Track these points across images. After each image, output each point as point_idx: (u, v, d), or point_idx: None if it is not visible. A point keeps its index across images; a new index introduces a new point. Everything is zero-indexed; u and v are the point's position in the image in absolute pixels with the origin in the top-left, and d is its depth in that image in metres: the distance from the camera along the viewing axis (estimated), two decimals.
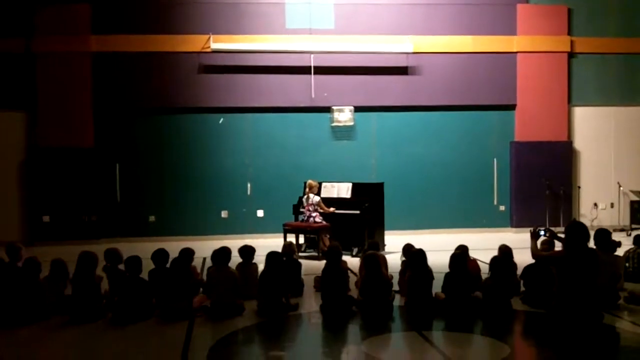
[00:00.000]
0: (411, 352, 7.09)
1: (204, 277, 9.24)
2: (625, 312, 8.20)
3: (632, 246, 10.16)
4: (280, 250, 9.63)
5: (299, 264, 9.66)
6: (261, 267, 8.62)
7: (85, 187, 15.57)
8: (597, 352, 6.73)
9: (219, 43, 15.80)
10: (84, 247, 9.61)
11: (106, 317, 8.01)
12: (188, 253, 8.77)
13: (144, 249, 9.31)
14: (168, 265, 8.55)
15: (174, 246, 9.37)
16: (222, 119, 16.16)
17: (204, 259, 10.58)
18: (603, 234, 8.70)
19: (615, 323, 7.72)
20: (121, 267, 8.56)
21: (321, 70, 16.13)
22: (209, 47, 15.79)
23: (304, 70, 16.10)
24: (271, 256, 8.43)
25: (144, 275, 8.33)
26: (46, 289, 8.19)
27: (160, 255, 8.58)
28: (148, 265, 8.56)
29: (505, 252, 9.08)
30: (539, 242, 8.07)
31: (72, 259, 8.41)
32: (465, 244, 9.28)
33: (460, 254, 8.40)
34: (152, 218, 16.05)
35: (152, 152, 16.06)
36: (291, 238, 12.41)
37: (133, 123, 16.05)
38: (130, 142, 16.03)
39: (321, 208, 12.84)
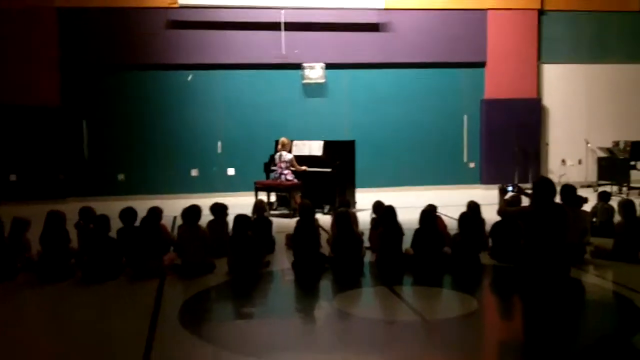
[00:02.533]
0: (382, 306, 7.16)
1: (175, 235, 9.22)
2: (591, 266, 8.33)
3: (599, 201, 10.33)
4: (251, 208, 9.63)
5: (270, 222, 9.67)
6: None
7: (52, 145, 15.39)
8: (564, 304, 6.85)
9: None
10: (51, 206, 9.50)
11: (75, 276, 7.95)
12: (156, 212, 8.72)
13: (113, 207, 9.24)
14: (137, 223, 8.50)
15: (143, 205, 9.31)
16: (190, 76, 16.00)
17: (174, 217, 10.54)
18: (569, 190, 8.78)
19: (582, 276, 7.85)
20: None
21: (292, 27, 15.99)
22: (177, 2, 15.55)
23: (274, 26, 15.94)
24: (239, 219, 8.34)
25: (113, 234, 8.28)
26: (10, 248, 8.08)
27: (128, 214, 8.50)
28: (118, 224, 8.51)
29: (473, 208, 9.16)
30: (507, 198, 8.15)
31: (40, 218, 8.32)
32: (435, 201, 9.36)
33: (430, 211, 8.45)
34: (121, 176, 15.95)
35: (120, 110, 15.89)
36: (262, 196, 12.39)
37: (100, 80, 15.84)
38: (98, 99, 15.83)
39: (293, 166, 12.82)
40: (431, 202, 9.19)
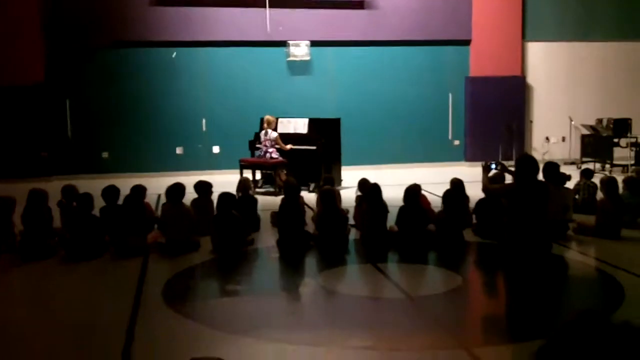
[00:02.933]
0: (366, 283, 7.19)
1: (159, 213, 9.20)
2: (573, 243, 8.39)
3: (582, 179, 10.38)
4: (236, 186, 9.62)
5: (255, 200, 9.67)
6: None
7: (36, 123, 15.25)
8: (546, 280, 6.91)
9: None
10: (35, 184, 9.47)
11: (58, 255, 7.92)
12: (139, 190, 8.71)
13: (97, 186, 9.21)
14: (120, 202, 8.47)
15: (128, 183, 9.29)
16: (175, 53, 15.89)
17: (159, 195, 10.51)
18: (552, 167, 8.83)
19: (564, 253, 7.91)
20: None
21: (276, 4, 15.88)
22: None
23: (259, 3, 15.83)
24: (223, 198, 8.30)
25: (97, 212, 8.25)
26: None
27: (110, 192, 8.46)
28: (102, 202, 8.48)
29: (456, 185, 9.20)
30: (490, 175, 8.18)
31: (22, 197, 8.28)
32: (420, 178, 9.41)
33: (414, 189, 8.46)
34: (105, 155, 15.86)
35: (104, 87, 15.76)
36: (247, 174, 12.38)
37: (84, 58, 15.69)
38: (82, 77, 15.70)
39: (278, 144, 12.80)
40: (416, 180, 9.22)
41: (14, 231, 8.17)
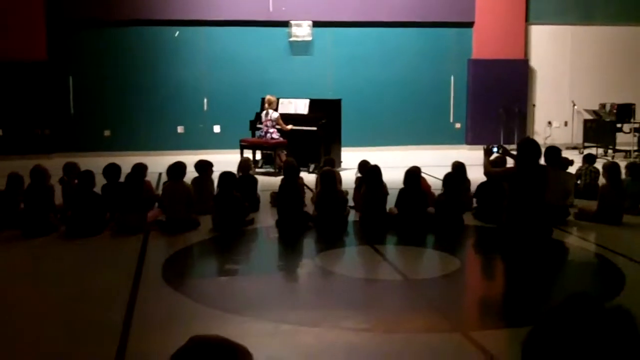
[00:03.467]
0: (364, 265, 7.22)
1: (160, 192, 9.22)
2: (574, 228, 8.39)
3: (584, 164, 10.37)
4: (236, 166, 9.62)
5: (255, 180, 9.66)
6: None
7: (38, 100, 15.22)
8: (546, 265, 6.91)
9: None
10: (37, 161, 9.47)
11: (59, 231, 7.95)
12: (140, 168, 8.72)
13: (99, 163, 9.22)
14: (122, 180, 8.49)
15: (129, 161, 9.29)
16: (177, 32, 15.83)
17: (160, 174, 10.52)
18: (553, 151, 8.82)
19: (564, 238, 7.91)
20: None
21: None
22: None
23: None
24: (224, 177, 8.32)
25: (98, 189, 8.27)
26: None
27: (111, 170, 8.51)
28: (103, 180, 8.50)
29: (458, 168, 9.20)
30: (492, 159, 8.17)
31: (25, 174, 8.30)
32: (420, 161, 9.43)
33: (414, 171, 8.44)
34: (107, 132, 15.85)
35: (107, 65, 15.71)
36: (248, 154, 12.37)
37: (87, 35, 15.63)
38: (84, 54, 15.65)
39: (279, 124, 12.78)
40: (416, 162, 9.23)
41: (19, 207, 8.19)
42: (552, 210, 7.87)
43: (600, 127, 15.81)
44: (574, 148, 16.09)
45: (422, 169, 8.90)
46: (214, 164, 9.42)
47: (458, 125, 17.05)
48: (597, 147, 15.51)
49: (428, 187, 9.10)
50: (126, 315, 5.24)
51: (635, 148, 14.97)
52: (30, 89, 15.13)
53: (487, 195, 8.61)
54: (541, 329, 1.64)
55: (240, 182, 9.15)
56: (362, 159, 9.64)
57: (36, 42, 15.17)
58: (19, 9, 14.96)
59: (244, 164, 9.90)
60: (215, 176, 8.81)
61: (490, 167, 7.97)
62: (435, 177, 10.01)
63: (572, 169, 9.80)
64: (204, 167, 9.27)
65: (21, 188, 8.31)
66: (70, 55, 15.56)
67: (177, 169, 8.52)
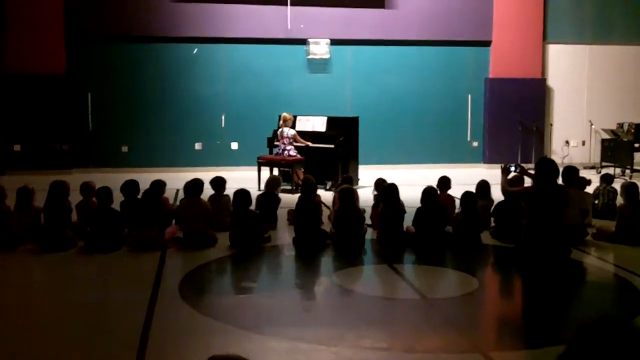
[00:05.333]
0: (382, 284, 7.19)
1: (177, 207, 9.24)
2: (592, 248, 8.33)
3: (602, 183, 10.31)
4: (255, 183, 9.63)
5: (279, 199, 9.61)
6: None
7: (57, 115, 15.33)
8: (564, 286, 6.87)
9: None
10: (55, 176, 9.54)
11: (77, 247, 7.97)
12: (158, 184, 8.76)
13: (116, 179, 9.26)
14: (139, 196, 8.52)
15: (147, 177, 9.33)
16: (196, 49, 15.94)
17: (177, 190, 10.55)
18: (571, 171, 8.80)
19: (583, 258, 7.86)
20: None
21: (298, 1, 15.88)
22: None
23: (281, 0, 15.83)
24: (239, 194, 8.33)
25: (116, 206, 8.30)
26: (11, 216, 8.09)
27: (130, 186, 8.53)
28: (121, 196, 8.54)
29: (482, 186, 9.20)
30: (509, 178, 8.15)
31: (43, 188, 8.35)
32: (437, 180, 9.40)
33: (431, 189, 8.43)
34: (125, 148, 15.93)
35: (125, 81, 15.82)
36: (265, 171, 12.40)
37: (106, 51, 15.76)
38: (103, 70, 15.77)
39: (297, 141, 12.80)
40: (433, 181, 9.23)
41: (34, 222, 8.22)
42: (570, 230, 7.83)
43: (618, 147, 15.71)
44: (592, 168, 16.01)
45: (450, 185, 8.92)
46: (230, 181, 9.45)
47: (475, 144, 17.02)
48: (614, 166, 15.42)
49: (452, 204, 9.03)
50: (143, 331, 5.24)
51: None
52: (49, 103, 15.25)
53: (505, 214, 8.57)
54: (574, 349, 1.64)
55: (263, 198, 9.18)
56: (378, 177, 9.64)
57: (55, 56, 15.30)
58: (39, 23, 15.10)
59: (272, 181, 9.89)
60: (229, 193, 8.83)
61: (508, 186, 7.94)
62: (453, 196, 9.98)
63: (589, 189, 9.74)
64: (219, 183, 9.30)
65: (31, 200, 8.33)
66: (89, 70, 15.67)
67: (195, 185, 8.55)
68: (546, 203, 7.13)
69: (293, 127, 13.00)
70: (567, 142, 17.26)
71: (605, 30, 17.20)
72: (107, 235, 7.89)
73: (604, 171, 13.42)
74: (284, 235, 8.87)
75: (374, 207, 9.15)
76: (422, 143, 16.63)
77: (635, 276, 7.05)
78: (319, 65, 16.29)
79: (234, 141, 16.14)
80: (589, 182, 9.61)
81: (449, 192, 9.37)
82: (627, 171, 15.18)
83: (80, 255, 7.78)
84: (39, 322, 5.63)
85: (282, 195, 10.00)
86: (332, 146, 12.90)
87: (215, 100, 16.08)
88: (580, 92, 17.30)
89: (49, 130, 15.28)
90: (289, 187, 12.62)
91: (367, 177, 12.82)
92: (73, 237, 8.05)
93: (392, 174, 11.95)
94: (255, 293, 6.69)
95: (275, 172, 13.20)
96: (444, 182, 9.35)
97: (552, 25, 17.00)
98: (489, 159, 16.63)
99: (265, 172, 11.98)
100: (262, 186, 9.94)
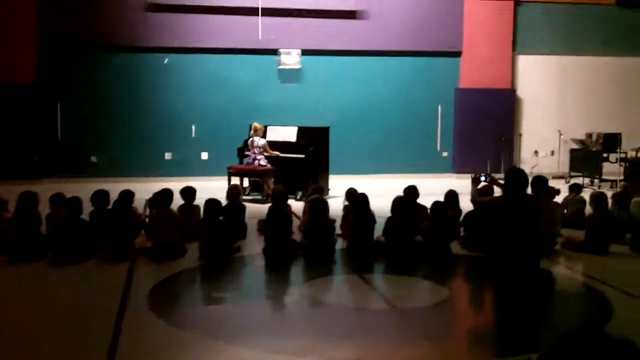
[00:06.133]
0: (352, 294, 7.18)
1: (146, 218, 9.17)
2: (561, 257, 8.40)
3: (571, 193, 10.41)
4: (224, 193, 9.60)
5: (243, 207, 9.63)
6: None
7: (26, 125, 15.19)
8: (534, 295, 6.90)
9: None
10: (25, 186, 9.40)
11: (46, 258, 7.88)
12: (127, 194, 8.68)
13: (86, 189, 9.17)
14: (110, 206, 8.44)
15: (116, 187, 9.24)
16: (167, 59, 15.88)
17: (147, 200, 10.46)
18: (540, 181, 8.87)
19: (552, 267, 7.91)
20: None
21: (269, 12, 15.90)
22: None
23: (252, 11, 15.84)
24: (209, 204, 8.29)
25: (85, 216, 8.22)
26: None
27: (100, 197, 8.45)
28: (90, 206, 8.45)
29: (450, 196, 9.23)
30: (479, 188, 8.19)
31: (12, 199, 8.25)
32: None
33: (402, 199, 8.46)
34: (94, 158, 15.81)
35: (95, 91, 15.73)
36: (235, 181, 12.36)
37: (77, 60, 15.67)
38: (74, 79, 15.66)
39: (266, 151, 12.80)
40: (408, 189, 9.27)
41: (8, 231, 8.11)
42: (539, 240, 7.88)
43: (586, 157, 15.89)
44: (561, 177, 16.18)
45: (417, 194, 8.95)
46: (202, 190, 9.39)
47: (445, 154, 17.12)
48: (583, 176, 15.59)
49: (425, 215, 9.02)
50: (112, 342, 5.18)
51: (621, 178, 15.04)
52: (19, 112, 15.11)
53: (475, 224, 8.62)
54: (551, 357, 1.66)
55: (228, 208, 9.13)
56: (349, 186, 9.65)
57: (26, 66, 15.19)
58: (11, 31, 14.97)
59: (233, 190, 9.89)
60: (199, 203, 8.78)
61: (478, 196, 7.98)
62: (425, 206, 10.00)
63: (558, 199, 9.83)
64: (189, 193, 9.26)
65: (36, 206, 8.24)
66: (59, 79, 15.56)
67: (164, 195, 8.48)
68: (516, 212, 7.17)
69: (264, 137, 12.99)
70: (536, 151, 17.42)
71: (575, 41, 17.42)
72: (76, 246, 7.80)
73: (572, 181, 13.56)
74: (254, 245, 8.82)
75: (344, 217, 9.14)
76: (392, 153, 16.70)
77: (605, 285, 7.11)
78: (290, 76, 16.30)
79: (205, 151, 16.08)
80: (558, 192, 9.69)
81: (419, 201, 9.38)
82: (596, 181, 15.35)
83: (49, 266, 7.68)
84: (4, 336, 5.53)
85: (252, 206, 9.97)
86: (303, 156, 12.90)
87: (186, 110, 16.03)
88: (550, 103, 17.49)
89: (19, 140, 15.12)
90: (259, 197, 12.59)
91: (337, 186, 12.83)
92: (43, 247, 7.95)
93: (362, 183, 11.98)
94: (226, 304, 6.64)
95: (246, 182, 13.19)
96: (411, 191, 9.34)
97: (522, 35, 17.19)
98: (458, 169, 16.73)
99: (236, 182, 11.91)
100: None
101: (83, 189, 9.92)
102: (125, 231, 8.08)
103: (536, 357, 1.56)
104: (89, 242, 7.99)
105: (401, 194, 9.01)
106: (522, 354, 4.97)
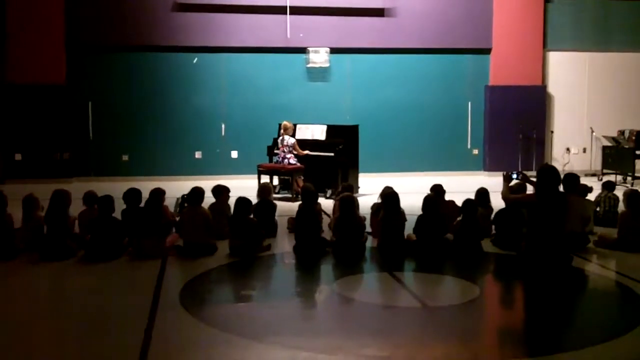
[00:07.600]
0: (382, 292, 7.17)
1: (177, 216, 9.23)
2: (594, 256, 8.32)
3: (603, 191, 10.29)
4: (254, 191, 9.62)
5: (274, 206, 9.65)
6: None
7: (58, 124, 15.36)
8: (566, 294, 6.84)
9: None
10: (56, 185, 9.51)
11: (77, 256, 7.95)
12: (158, 193, 8.72)
13: (116, 188, 9.25)
14: (142, 204, 8.50)
15: (147, 186, 9.31)
16: (196, 59, 15.95)
17: (177, 199, 10.52)
18: (572, 179, 8.79)
19: (584, 266, 7.84)
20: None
21: (297, 10, 15.91)
22: None
23: (280, 10, 15.86)
24: (240, 202, 8.31)
25: (117, 214, 8.28)
26: (12, 225, 8.05)
27: (132, 195, 8.51)
28: (122, 204, 8.52)
29: (481, 194, 9.16)
30: (511, 185, 8.14)
31: (44, 197, 8.34)
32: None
33: (433, 197, 8.43)
34: (125, 157, 15.93)
35: (125, 91, 15.85)
36: (265, 179, 12.38)
37: (106, 60, 15.79)
38: (104, 79, 15.79)
39: (296, 150, 12.80)
40: (435, 187, 9.23)
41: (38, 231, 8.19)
42: (571, 238, 7.81)
43: (619, 154, 15.70)
44: (593, 175, 16.01)
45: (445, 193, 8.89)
46: (230, 189, 9.43)
47: (476, 152, 17.01)
48: (615, 174, 15.40)
49: (454, 211, 8.99)
50: (144, 340, 5.22)
51: None
52: (50, 113, 15.27)
53: (506, 222, 8.56)
54: None
55: (259, 207, 9.16)
56: (386, 185, 9.51)
57: (56, 67, 15.34)
58: (40, 33, 15.15)
59: (264, 188, 9.90)
60: (231, 201, 8.81)
61: (509, 193, 7.93)
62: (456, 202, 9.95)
63: (591, 196, 9.72)
64: (221, 191, 9.30)
65: (36, 209, 8.33)
66: (89, 80, 15.70)
67: (195, 194, 8.53)
68: (548, 210, 7.11)
69: (293, 135, 13.00)
70: (567, 149, 17.25)
71: (605, 37, 17.22)
72: (107, 244, 7.88)
73: (605, 178, 13.41)
74: (284, 243, 8.85)
75: (374, 215, 9.11)
76: (423, 151, 16.63)
77: (638, 283, 7.02)
78: (319, 74, 16.30)
79: (234, 150, 16.14)
80: (590, 190, 9.59)
81: (450, 198, 9.33)
82: (629, 178, 15.16)
83: (80, 264, 7.76)
84: (39, 333, 5.60)
85: (282, 204, 9.98)
86: (332, 154, 12.89)
87: (216, 109, 16.08)
88: (581, 99, 17.30)
89: (50, 140, 15.30)
90: (289, 195, 12.62)
91: (367, 185, 12.81)
92: (74, 247, 8.03)
93: (392, 181, 11.86)
94: (256, 302, 6.67)
95: (275, 180, 13.21)
96: (437, 189, 9.30)
97: (552, 32, 17.02)
98: (489, 167, 16.63)
99: (266, 180, 11.93)
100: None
101: (113, 188, 10.01)
102: (156, 229, 8.13)
103: None
104: (120, 240, 8.06)
105: (435, 184, 8.97)
106: (553, 354, 4.93)
